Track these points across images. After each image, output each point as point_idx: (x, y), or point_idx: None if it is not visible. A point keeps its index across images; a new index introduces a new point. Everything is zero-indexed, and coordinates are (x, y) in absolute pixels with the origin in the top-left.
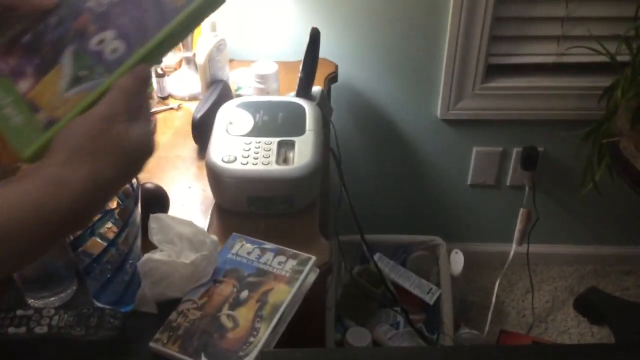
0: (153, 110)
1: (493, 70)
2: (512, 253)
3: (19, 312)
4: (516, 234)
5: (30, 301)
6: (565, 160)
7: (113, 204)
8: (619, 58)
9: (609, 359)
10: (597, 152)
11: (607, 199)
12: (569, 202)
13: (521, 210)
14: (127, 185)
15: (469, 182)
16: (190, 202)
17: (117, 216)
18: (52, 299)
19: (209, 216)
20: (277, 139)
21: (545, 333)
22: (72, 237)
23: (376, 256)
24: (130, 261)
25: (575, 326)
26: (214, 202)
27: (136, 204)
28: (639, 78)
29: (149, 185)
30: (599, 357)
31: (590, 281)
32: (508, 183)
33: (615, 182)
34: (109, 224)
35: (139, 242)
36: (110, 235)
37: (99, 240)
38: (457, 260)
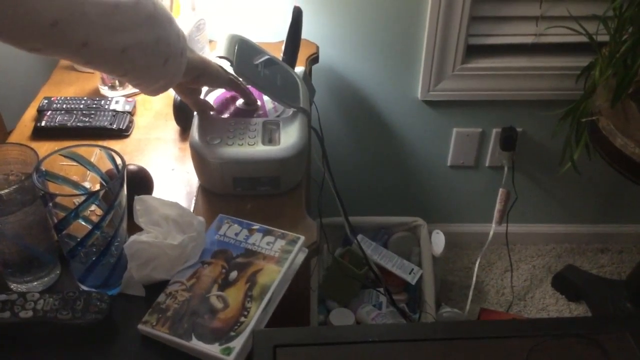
0: (132, 92)
1: (473, 51)
2: (491, 233)
3: (2, 296)
4: (495, 214)
5: (13, 286)
6: (544, 140)
7: (97, 186)
8: (597, 38)
9: (584, 332)
10: (575, 131)
11: (584, 178)
12: (546, 181)
13: (500, 191)
14: (112, 167)
15: (448, 163)
16: (173, 185)
17: (101, 199)
18: (35, 283)
19: (194, 198)
20: (262, 119)
21: (524, 310)
22: (55, 220)
23: (358, 237)
24: (116, 244)
25: (553, 303)
26: (198, 184)
27: (122, 186)
28: (617, 57)
29: (131, 167)
30: (575, 330)
31: (568, 259)
32: (487, 164)
33: (592, 161)
34: (93, 207)
35: (124, 224)
36: (95, 218)
37: (83, 223)
38: (438, 241)
